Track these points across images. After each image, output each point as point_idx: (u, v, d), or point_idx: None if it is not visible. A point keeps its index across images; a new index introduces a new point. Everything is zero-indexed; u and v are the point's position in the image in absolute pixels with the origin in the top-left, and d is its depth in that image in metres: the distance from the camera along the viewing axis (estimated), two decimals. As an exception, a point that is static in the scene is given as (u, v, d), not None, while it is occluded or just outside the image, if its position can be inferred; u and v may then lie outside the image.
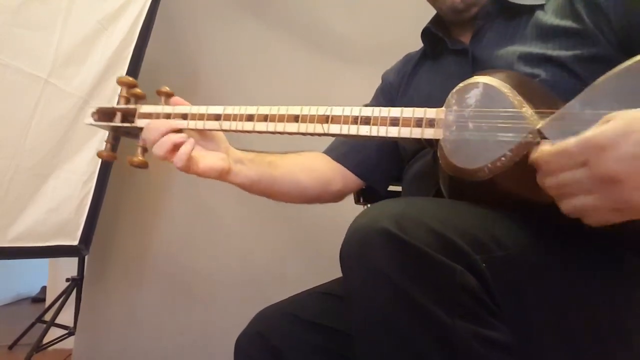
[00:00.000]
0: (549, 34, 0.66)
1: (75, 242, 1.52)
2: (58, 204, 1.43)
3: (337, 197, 0.86)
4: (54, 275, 1.95)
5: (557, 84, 0.61)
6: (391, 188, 0.94)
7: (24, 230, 1.36)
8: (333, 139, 0.88)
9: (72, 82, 1.38)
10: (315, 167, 0.84)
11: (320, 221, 1.57)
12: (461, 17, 0.76)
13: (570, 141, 0.42)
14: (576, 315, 0.51)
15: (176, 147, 0.66)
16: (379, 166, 0.86)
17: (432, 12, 0.82)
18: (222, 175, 0.70)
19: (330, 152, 0.87)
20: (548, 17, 0.68)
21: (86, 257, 1.68)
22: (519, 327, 0.45)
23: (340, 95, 1.56)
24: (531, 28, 0.68)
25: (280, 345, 0.70)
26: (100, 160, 1.52)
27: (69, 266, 1.77)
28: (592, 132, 0.41)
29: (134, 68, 1.52)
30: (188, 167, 0.66)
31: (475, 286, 0.42)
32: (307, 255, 1.58)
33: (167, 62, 1.71)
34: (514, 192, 0.52)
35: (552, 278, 0.50)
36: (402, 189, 0.84)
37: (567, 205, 0.44)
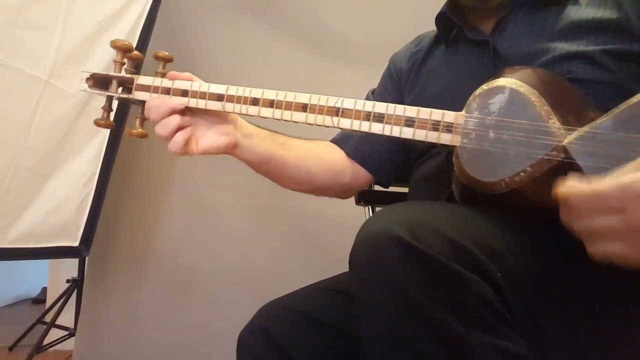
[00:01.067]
0: (581, 28, 0.61)
1: (76, 243, 1.52)
2: (58, 205, 1.43)
3: (346, 190, 0.83)
4: (55, 276, 1.95)
5: (590, 82, 0.57)
6: (395, 189, 0.93)
7: (24, 231, 1.36)
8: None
9: (73, 82, 1.38)
10: (327, 156, 0.80)
11: (320, 220, 1.57)
12: (486, 5, 0.69)
13: (607, 184, 0.39)
14: (591, 327, 0.49)
15: (179, 129, 0.62)
16: (390, 161, 0.83)
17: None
18: (228, 151, 0.66)
19: (340, 143, 0.83)
20: (582, 10, 0.63)
21: (87, 258, 1.68)
22: (534, 338, 0.44)
23: (339, 94, 1.57)
24: (561, 22, 0.63)
25: (283, 340, 0.69)
26: (101, 161, 1.52)
27: (69, 267, 1.78)
28: (632, 178, 0.38)
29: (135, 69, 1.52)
30: (185, 152, 0.63)
31: (491, 296, 0.41)
32: (307, 254, 1.58)
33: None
34: (529, 205, 0.49)
35: (568, 289, 0.49)
36: (410, 189, 0.81)
37: (596, 250, 0.41)
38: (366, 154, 0.82)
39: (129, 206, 1.73)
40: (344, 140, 0.84)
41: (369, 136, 0.81)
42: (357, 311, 0.45)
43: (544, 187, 0.46)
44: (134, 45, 1.50)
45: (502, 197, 0.49)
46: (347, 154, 0.82)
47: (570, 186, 0.41)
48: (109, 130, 1.49)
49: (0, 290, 2.80)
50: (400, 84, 0.84)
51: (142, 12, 1.53)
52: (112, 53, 1.56)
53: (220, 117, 0.67)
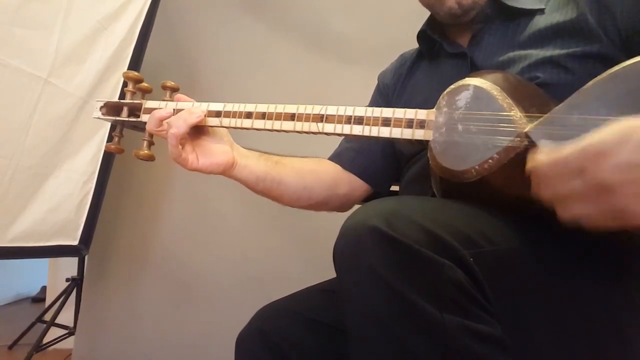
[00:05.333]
0: (548, 35, 0.66)
1: (75, 242, 1.52)
2: (58, 204, 1.43)
3: (344, 202, 0.85)
4: (54, 275, 1.95)
5: (555, 84, 0.61)
6: (395, 189, 0.94)
7: (23, 230, 1.36)
8: (333, 140, 0.87)
9: (72, 81, 1.38)
10: (321, 170, 0.83)
11: (320, 220, 1.57)
12: (459, 21, 0.74)
13: (566, 150, 0.42)
14: (567, 311, 0.51)
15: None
16: (385, 171, 0.86)
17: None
18: (227, 169, 0.69)
19: (335, 158, 0.87)
20: (548, 18, 0.67)
21: (86, 257, 1.69)
22: (510, 322, 0.46)
23: (338, 94, 1.57)
24: (530, 32, 0.68)
25: (281, 342, 0.70)
26: (100, 160, 1.52)
27: (69, 266, 1.78)
28: (589, 140, 0.40)
29: (134, 68, 1.52)
30: (186, 162, 0.66)
31: (464, 281, 0.43)
32: (307, 253, 1.58)
33: (166, 62, 1.71)
34: (502, 192, 0.52)
35: (542, 274, 0.51)
36: (399, 191, 0.84)
37: (564, 215, 0.43)
38: (362, 166, 0.85)
39: (129, 205, 1.74)
40: (339, 156, 0.87)
41: (362, 149, 0.85)
42: (340, 300, 0.47)
43: (513, 175, 0.49)
44: (133, 44, 1.52)
45: (475, 186, 0.52)
46: (344, 167, 0.85)
47: (534, 159, 0.45)
48: (108, 130, 1.49)
49: (-1, 289, 2.81)
50: (388, 97, 0.88)
51: (141, 11, 1.53)
52: (111, 52, 1.58)
53: (217, 139, 0.71)
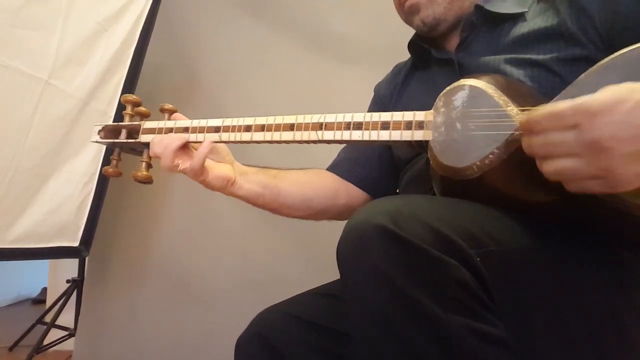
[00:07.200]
0: (532, 39, 0.67)
1: (76, 244, 1.52)
2: (58, 205, 1.43)
3: (343, 212, 0.86)
4: (55, 276, 1.95)
5: (542, 86, 0.62)
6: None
7: (24, 232, 1.36)
8: (330, 151, 0.87)
9: (73, 83, 1.38)
10: (320, 180, 0.84)
11: (321, 222, 1.57)
12: (431, 34, 0.78)
13: (564, 104, 0.42)
14: (571, 312, 0.51)
15: (181, 155, 0.69)
16: (382, 179, 0.86)
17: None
18: (227, 187, 0.71)
19: (333, 168, 0.88)
20: (531, 24, 0.69)
21: (86, 259, 1.68)
22: (515, 322, 0.46)
23: (338, 95, 1.56)
24: (514, 36, 0.69)
25: (281, 346, 0.70)
26: (101, 162, 1.52)
27: (69, 267, 1.78)
28: (585, 99, 0.41)
29: (135, 69, 1.52)
30: (200, 174, 0.68)
31: (470, 281, 0.42)
32: (308, 256, 1.58)
33: (167, 64, 1.72)
34: (503, 189, 0.52)
35: (547, 274, 0.51)
36: (398, 193, 0.84)
37: (549, 167, 0.44)
38: (359, 175, 0.86)
39: (129, 206, 1.73)
40: (336, 166, 0.88)
41: (359, 158, 0.86)
42: (343, 300, 0.47)
43: (514, 170, 0.50)
44: (134, 45, 1.52)
45: (477, 183, 0.52)
46: (341, 176, 0.86)
47: (530, 112, 0.46)
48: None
49: (0, 291, 2.81)
50: (384, 107, 0.89)
51: (142, 13, 1.53)
52: (111, 53, 1.57)
53: (219, 157, 0.73)
